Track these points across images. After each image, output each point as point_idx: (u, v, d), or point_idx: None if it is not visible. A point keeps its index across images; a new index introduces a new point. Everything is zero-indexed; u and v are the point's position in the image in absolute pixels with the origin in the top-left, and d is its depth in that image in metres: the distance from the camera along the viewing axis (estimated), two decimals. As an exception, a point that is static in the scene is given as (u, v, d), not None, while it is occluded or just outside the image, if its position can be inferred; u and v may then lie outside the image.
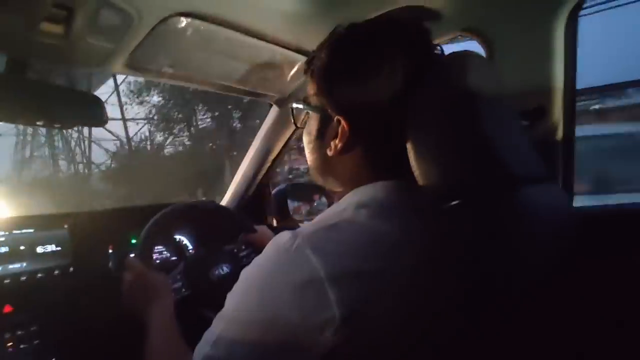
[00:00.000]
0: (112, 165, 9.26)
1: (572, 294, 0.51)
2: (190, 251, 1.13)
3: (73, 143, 9.43)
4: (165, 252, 1.10)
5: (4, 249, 0.83)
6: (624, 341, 0.67)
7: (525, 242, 0.48)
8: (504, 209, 0.48)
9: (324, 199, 1.56)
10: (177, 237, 1.14)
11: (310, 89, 0.53)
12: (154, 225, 0.89)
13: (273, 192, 1.39)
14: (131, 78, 8.06)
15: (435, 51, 0.50)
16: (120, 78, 8.24)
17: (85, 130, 9.00)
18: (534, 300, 0.51)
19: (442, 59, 0.51)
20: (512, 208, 0.47)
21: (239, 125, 8.77)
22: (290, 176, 6.55)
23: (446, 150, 0.47)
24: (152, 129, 9.22)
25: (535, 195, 0.50)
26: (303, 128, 0.57)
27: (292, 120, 0.61)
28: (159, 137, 9.34)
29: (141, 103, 8.81)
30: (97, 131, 9.30)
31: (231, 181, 1.37)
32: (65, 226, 0.92)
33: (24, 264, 0.85)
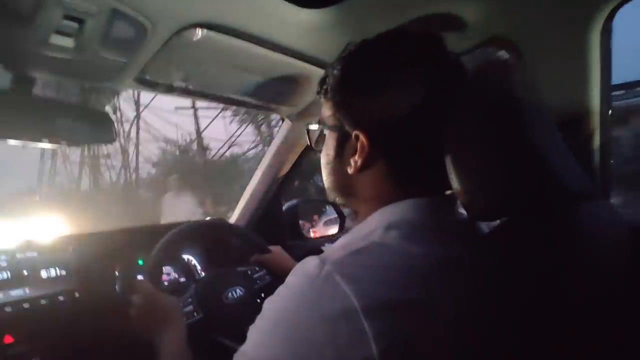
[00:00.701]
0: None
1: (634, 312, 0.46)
2: (200, 272, 1.08)
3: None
4: (173, 274, 1.06)
5: (5, 274, 0.78)
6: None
7: (583, 264, 0.44)
8: (558, 230, 0.44)
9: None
10: (186, 257, 1.09)
11: (325, 109, 0.52)
12: (164, 245, 0.84)
13: (284, 208, 1.35)
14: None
15: (451, 59, 0.48)
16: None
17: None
18: (593, 326, 0.46)
19: (479, 67, 0.48)
20: (569, 227, 0.44)
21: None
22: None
23: (493, 165, 0.44)
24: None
25: (591, 212, 0.46)
26: (320, 151, 0.55)
27: (309, 143, 0.58)
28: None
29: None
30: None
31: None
32: (71, 249, 0.88)
33: (27, 290, 0.80)
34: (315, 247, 1.29)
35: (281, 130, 1.17)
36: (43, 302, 0.80)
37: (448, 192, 0.47)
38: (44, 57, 0.65)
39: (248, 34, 0.72)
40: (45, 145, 0.74)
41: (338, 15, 0.69)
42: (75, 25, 0.59)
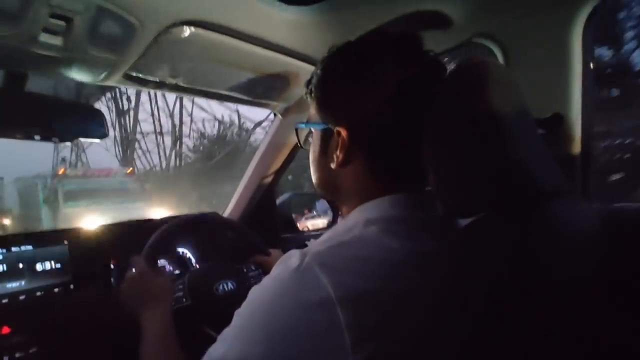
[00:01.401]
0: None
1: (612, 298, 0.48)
2: (195, 264, 1.10)
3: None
4: (168, 266, 1.07)
5: (1, 267, 0.80)
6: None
7: (555, 259, 0.45)
8: (531, 225, 0.45)
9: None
10: (181, 250, 1.11)
11: (311, 109, 0.55)
12: (160, 235, 0.87)
13: (278, 202, 1.37)
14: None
15: (429, 58, 0.50)
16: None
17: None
18: (565, 313, 0.48)
19: (459, 66, 0.49)
20: (541, 224, 0.45)
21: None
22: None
23: (468, 163, 0.45)
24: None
25: (562, 209, 0.47)
26: (308, 149, 0.58)
27: (297, 141, 0.61)
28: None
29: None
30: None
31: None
32: (65, 242, 0.89)
33: (23, 283, 0.82)
34: (308, 240, 1.31)
35: (273, 125, 1.18)
36: (39, 294, 0.82)
37: (428, 188, 0.49)
38: (34, 55, 0.66)
39: (235, 31, 0.73)
40: (38, 140, 0.75)
41: (324, 12, 0.70)
42: (62, 23, 0.60)
